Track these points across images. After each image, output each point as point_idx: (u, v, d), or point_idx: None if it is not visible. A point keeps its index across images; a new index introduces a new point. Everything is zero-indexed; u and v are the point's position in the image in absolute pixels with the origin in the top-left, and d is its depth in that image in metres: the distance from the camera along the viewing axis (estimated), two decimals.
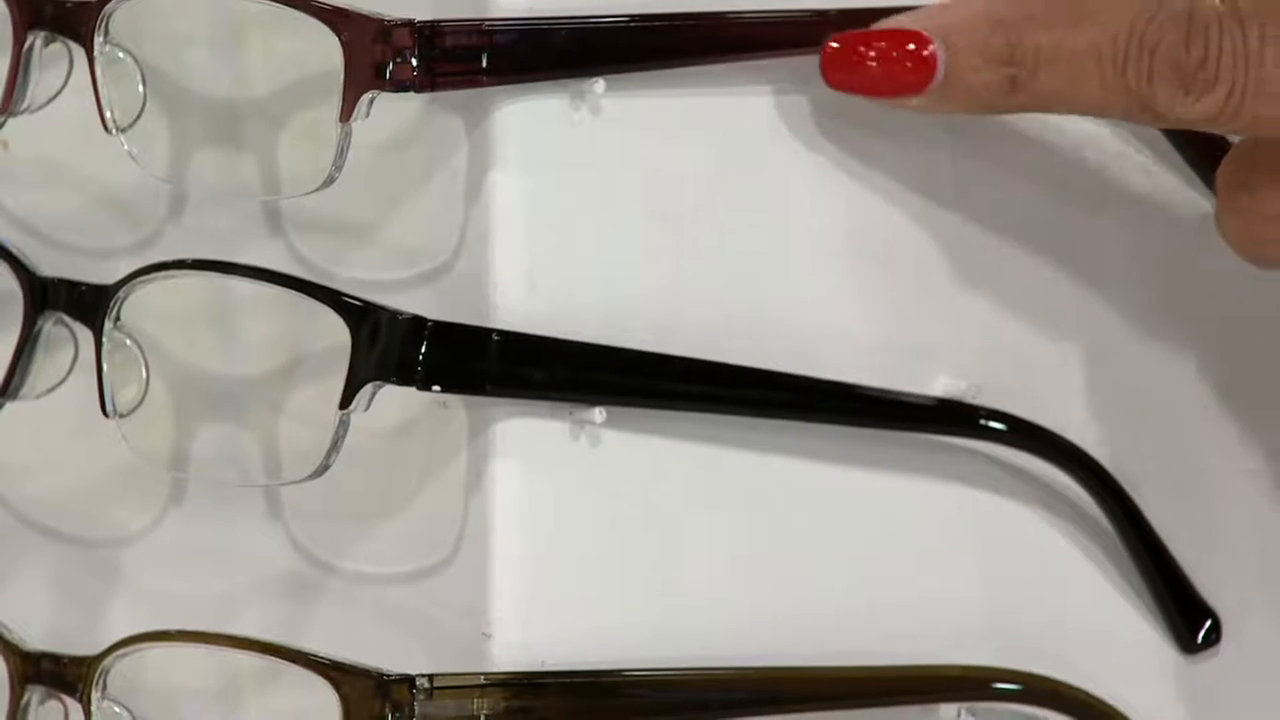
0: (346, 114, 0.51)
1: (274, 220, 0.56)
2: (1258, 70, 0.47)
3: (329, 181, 0.52)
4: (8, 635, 0.55)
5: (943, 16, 0.50)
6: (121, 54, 0.54)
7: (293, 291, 0.52)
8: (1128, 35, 0.48)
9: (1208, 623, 0.55)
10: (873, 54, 0.50)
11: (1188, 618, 0.54)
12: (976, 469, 0.54)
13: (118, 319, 0.53)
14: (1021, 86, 0.49)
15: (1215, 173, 0.52)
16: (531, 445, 0.53)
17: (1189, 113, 0.48)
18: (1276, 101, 0.47)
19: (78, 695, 0.53)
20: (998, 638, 0.54)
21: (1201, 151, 0.54)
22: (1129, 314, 0.55)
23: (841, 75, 0.51)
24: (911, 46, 0.50)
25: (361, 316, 0.51)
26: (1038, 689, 0.53)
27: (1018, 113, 0.51)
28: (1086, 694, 0.53)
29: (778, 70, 0.53)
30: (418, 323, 0.52)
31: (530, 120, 0.53)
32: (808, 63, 0.52)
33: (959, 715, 0.53)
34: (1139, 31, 0.48)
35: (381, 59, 0.51)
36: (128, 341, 0.54)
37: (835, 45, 0.51)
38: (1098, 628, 0.54)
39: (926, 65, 0.50)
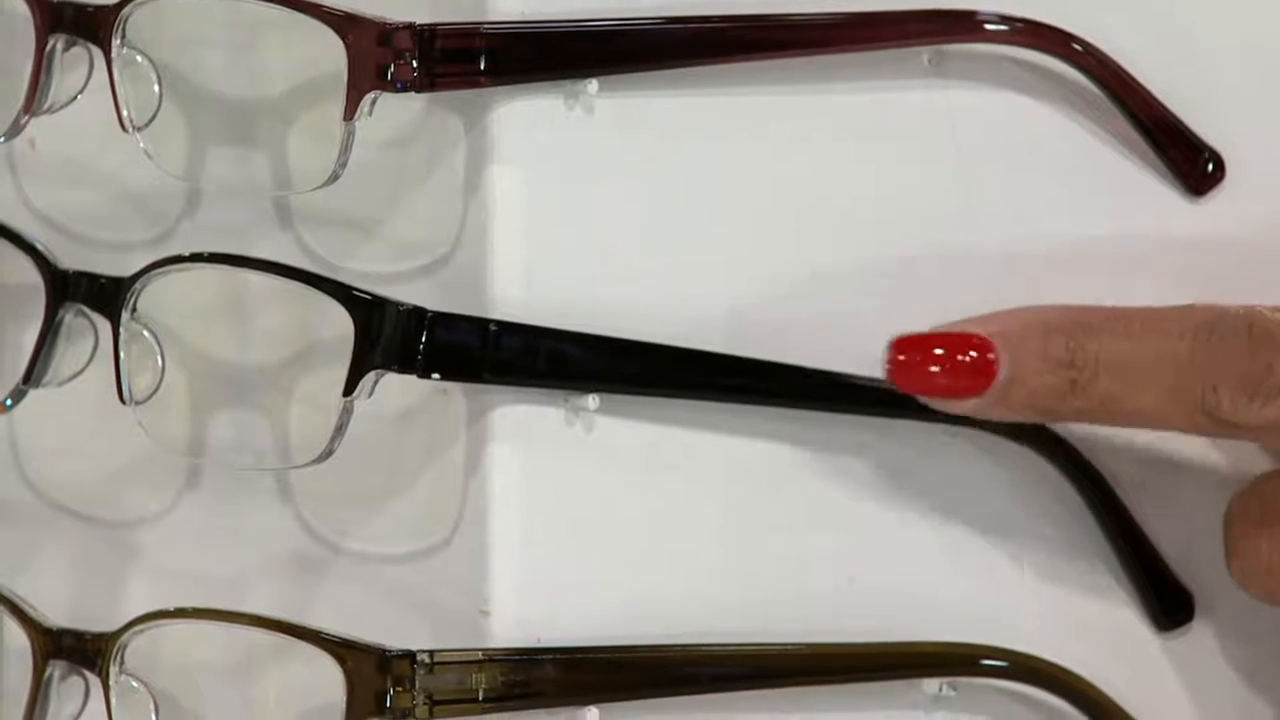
0: (350, 113, 0.52)
1: (283, 215, 0.56)
2: None
3: (334, 178, 0.53)
4: (31, 612, 0.56)
5: (999, 322, 0.50)
6: (138, 56, 0.54)
7: (301, 284, 0.53)
8: (1190, 344, 0.48)
9: (1182, 601, 0.55)
10: (938, 359, 0.50)
11: (1163, 597, 0.55)
12: (959, 452, 0.54)
13: (134, 310, 0.54)
14: (1081, 390, 0.49)
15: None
16: (528, 430, 0.53)
17: (1255, 418, 0.48)
18: None
19: (97, 670, 0.54)
20: (976, 617, 0.54)
21: (1176, 159, 0.54)
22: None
23: (908, 381, 0.50)
24: (973, 352, 0.49)
25: (365, 307, 0.52)
26: (1022, 666, 0.53)
27: (1076, 421, 0.51)
28: (1067, 671, 0.54)
29: (764, 71, 0.53)
30: (418, 313, 0.52)
31: (526, 119, 0.53)
32: (795, 64, 0.53)
33: (941, 690, 0.54)
34: (1201, 341, 0.48)
35: (383, 61, 0.52)
36: (144, 331, 0.54)
37: (901, 356, 0.50)
38: (1076, 606, 0.55)
39: (988, 367, 0.49)
